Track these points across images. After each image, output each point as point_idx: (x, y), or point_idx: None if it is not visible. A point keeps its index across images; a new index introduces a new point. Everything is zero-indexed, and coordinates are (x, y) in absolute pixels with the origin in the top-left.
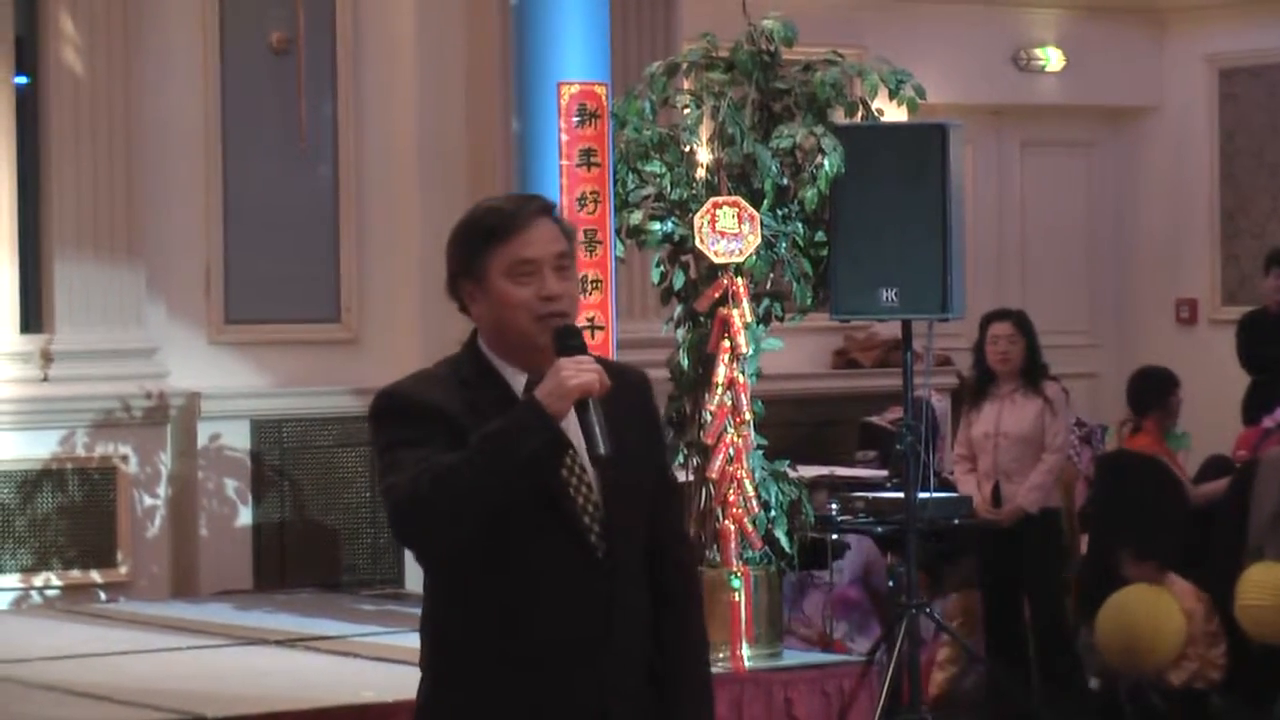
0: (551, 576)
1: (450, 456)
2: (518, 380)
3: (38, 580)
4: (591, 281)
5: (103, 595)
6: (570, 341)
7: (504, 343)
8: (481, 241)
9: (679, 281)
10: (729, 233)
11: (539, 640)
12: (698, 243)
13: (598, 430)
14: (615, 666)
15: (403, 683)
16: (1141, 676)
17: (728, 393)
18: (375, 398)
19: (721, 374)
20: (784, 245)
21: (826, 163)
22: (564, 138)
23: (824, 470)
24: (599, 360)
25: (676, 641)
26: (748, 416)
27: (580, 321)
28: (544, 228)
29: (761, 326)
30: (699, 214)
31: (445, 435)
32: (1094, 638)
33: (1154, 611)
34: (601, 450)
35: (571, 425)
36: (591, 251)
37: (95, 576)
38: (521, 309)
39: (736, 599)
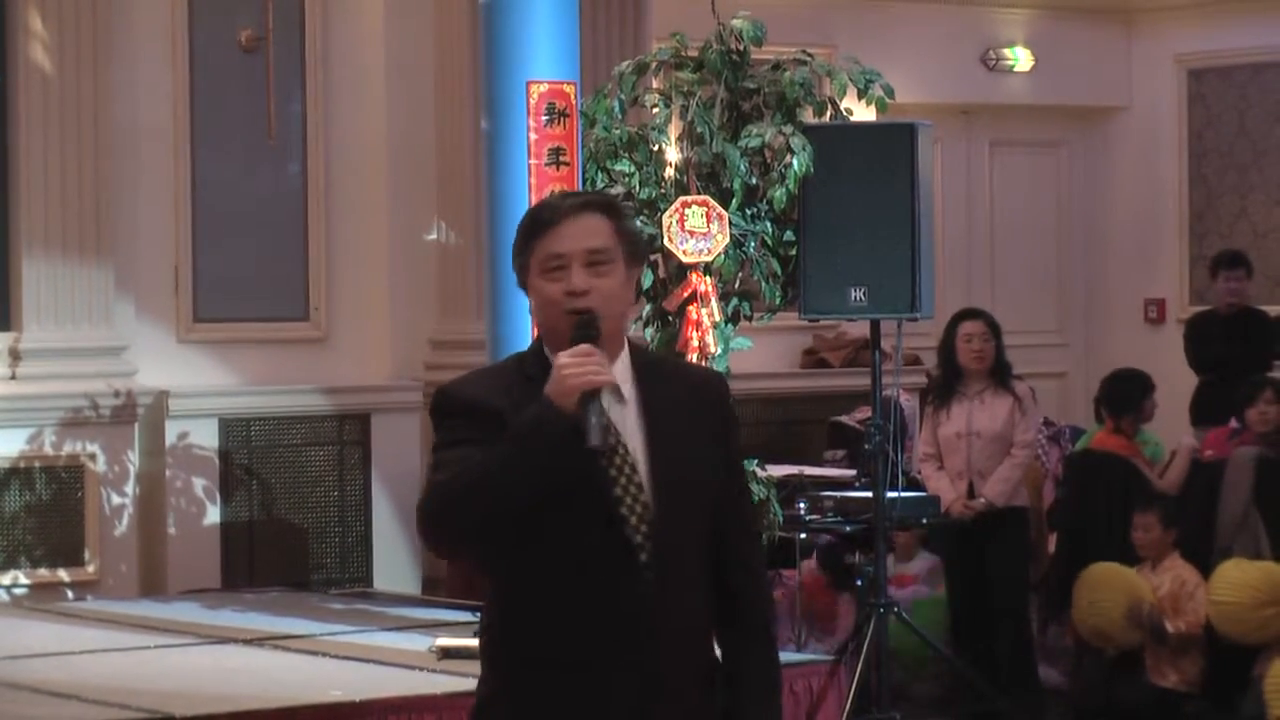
0: (591, 574)
1: (479, 458)
2: None
3: (5, 579)
4: None
5: (70, 594)
6: (579, 331)
7: (548, 337)
8: (524, 237)
9: (648, 280)
10: (698, 232)
11: (578, 640)
12: (667, 242)
13: (592, 423)
14: (658, 667)
15: (371, 682)
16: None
17: None
18: (432, 396)
19: None
20: (753, 244)
21: (795, 162)
22: (533, 136)
23: (793, 469)
24: (669, 361)
25: (743, 641)
26: None
27: None
28: (579, 223)
29: (730, 326)
30: (668, 213)
31: (493, 432)
32: (1071, 623)
33: (1116, 583)
34: (593, 443)
35: (622, 419)
36: None
37: (63, 575)
38: (551, 304)
39: None
